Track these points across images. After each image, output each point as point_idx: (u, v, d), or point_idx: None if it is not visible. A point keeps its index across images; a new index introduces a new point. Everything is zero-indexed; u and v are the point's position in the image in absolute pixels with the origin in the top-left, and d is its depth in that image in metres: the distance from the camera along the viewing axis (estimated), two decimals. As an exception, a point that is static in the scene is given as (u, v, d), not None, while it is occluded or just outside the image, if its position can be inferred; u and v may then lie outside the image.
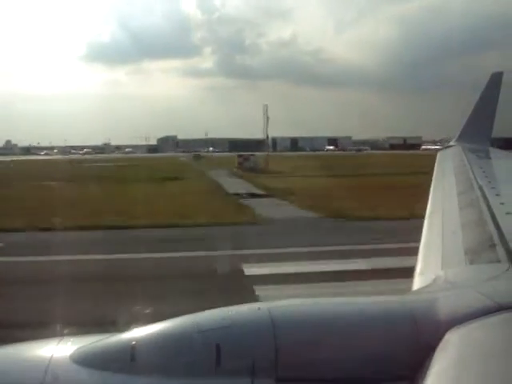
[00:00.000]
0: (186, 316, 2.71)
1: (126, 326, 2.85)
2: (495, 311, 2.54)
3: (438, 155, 14.40)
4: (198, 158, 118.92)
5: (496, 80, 16.46)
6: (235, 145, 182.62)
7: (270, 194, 39.38)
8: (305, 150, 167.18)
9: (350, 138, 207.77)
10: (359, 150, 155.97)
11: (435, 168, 11.83)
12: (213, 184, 49.53)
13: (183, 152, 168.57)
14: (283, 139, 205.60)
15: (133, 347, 2.51)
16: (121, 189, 43.36)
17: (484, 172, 8.57)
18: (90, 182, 48.96)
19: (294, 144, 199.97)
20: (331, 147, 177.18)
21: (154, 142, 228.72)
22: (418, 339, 2.50)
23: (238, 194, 39.27)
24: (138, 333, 2.66)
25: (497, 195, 5.88)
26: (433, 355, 2.37)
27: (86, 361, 2.53)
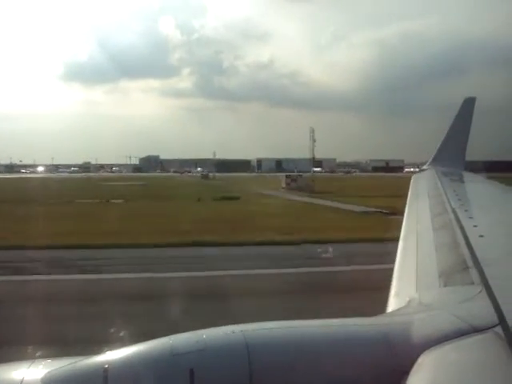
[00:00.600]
0: (160, 339, 2.68)
1: (99, 349, 2.80)
2: (469, 333, 2.56)
3: (412, 179, 14.58)
4: (206, 177, 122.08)
5: (469, 105, 16.80)
6: (222, 165, 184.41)
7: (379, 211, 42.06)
8: (291, 171, 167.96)
9: (334, 159, 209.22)
10: (348, 172, 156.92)
11: (409, 191, 11.97)
12: (312, 203, 52.00)
13: (173, 172, 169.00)
14: (268, 160, 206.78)
15: (105, 370, 2.46)
16: (231, 208, 46.33)
17: (457, 195, 8.69)
18: (172, 202, 51.82)
19: (279, 165, 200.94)
20: (318, 169, 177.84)
21: (136, 161, 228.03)
22: (392, 362, 2.50)
23: (367, 213, 42.32)
24: (111, 356, 2.61)
25: (470, 218, 5.96)
26: (407, 378, 2.37)
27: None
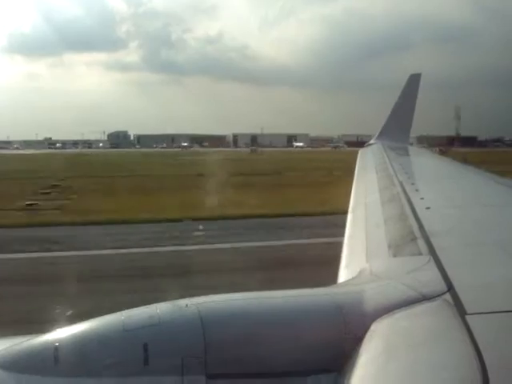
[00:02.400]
0: (112, 315, 2.63)
1: (50, 327, 2.73)
2: (419, 301, 2.62)
3: (360, 153, 14.81)
4: (255, 152, 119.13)
5: (414, 81, 17.11)
6: (197, 140, 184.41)
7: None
8: (269, 147, 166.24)
9: (307, 135, 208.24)
10: (336, 147, 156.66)
11: (357, 165, 12.16)
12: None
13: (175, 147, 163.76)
14: (243, 136, 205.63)
15: (56, 349, 2.41)
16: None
17: (404, 169, 8.88)
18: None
19: (254, 140, 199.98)
20: (300, 144, 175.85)
21: (103, 137, 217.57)
22: (344, 330, 2.54)
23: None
24: (62, 334, 2.56)
25: (416, 191, 6.10)
26: (360, 346, 2.41)
27: (6, 364, 2.41)
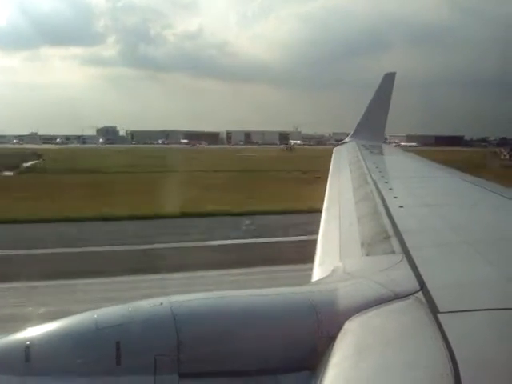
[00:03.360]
0: (84, 313, 2.60)
1: (20, 326, 2.69)
2: (392, 299, 2.64)
3: (334, 151, 14.88)
4: (291, 150, 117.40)
5: (389, 80, 17.24)
6: (191, 137, 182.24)
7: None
8: (258, 144, 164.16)
9: (299, 132, 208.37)
10: (289, 148, 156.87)
11: (331, 163, 12.21)
12: None
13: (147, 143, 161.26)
14: (237, 133, 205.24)
15: (27, 347, 2.37)
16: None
17: (377, 167, 8.94)
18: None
19: (248, 137, 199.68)
20: (297, 141, 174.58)
21: (91, 132, 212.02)
22: (318, 329, 2.54)
23: None
24: (33, 332, 2.51)
25: (390, 189, 6.15)
26: (333, 344, 2.42)
27: None
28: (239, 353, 2.48)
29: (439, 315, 2.36)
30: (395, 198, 5.43)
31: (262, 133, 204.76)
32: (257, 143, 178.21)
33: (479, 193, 6.33)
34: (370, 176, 7.68)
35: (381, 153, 13.55)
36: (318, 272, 3.82)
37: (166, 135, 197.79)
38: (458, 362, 1.95)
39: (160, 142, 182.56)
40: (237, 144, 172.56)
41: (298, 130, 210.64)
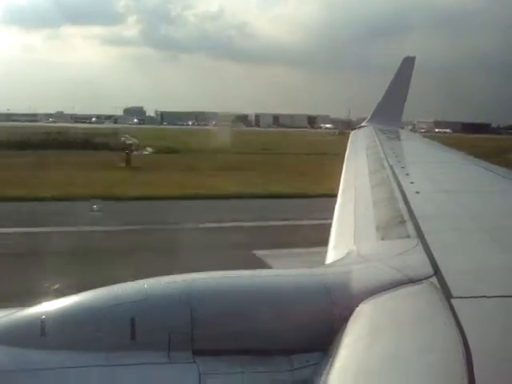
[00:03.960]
0: (100, 289, 2.63)
1: (35, 300, 2.73)
2: (405, 283, 2.64)
3: (351, 135, 14.80)
4: (343, 134, 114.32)
5: (408, 64, 17.06)
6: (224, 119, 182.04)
7: None
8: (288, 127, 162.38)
9: (327, 116, 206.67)
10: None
11: (348, 147, 12.15)
12: None
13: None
14: (265, 115, 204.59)
15: (42, 321, 2.41)
16: None
17: (394, 152, 8.88)
18: None
19: (276, 121, 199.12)
20: (329, 125, 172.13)
21: (118, 112, 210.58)
22: (331, 311, 2.55)
23: None
24: (48, 307, 2.55)
25: (406, 175, 6.11)
26: (346, 326, 2.43)
27: None
28: (252, 332, 2.50)
29: (452, 300, 2.35)
30: (412, 183, 5.40)
31: (291, 116, 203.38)
32: (284, 126, 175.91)
33: (496, 180, 6.27)
34: (387, 161, 7.64)
35: (398, 138, 13.46)
36: (333, 255, 3.83)
37: (195, 116, 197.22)
38: (471, 347, 1.95)
39: (190, 123, 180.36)
40: (269, 127, 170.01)
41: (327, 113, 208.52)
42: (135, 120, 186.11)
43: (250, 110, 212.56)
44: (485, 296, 2.45)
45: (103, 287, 2.65)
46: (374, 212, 4.68)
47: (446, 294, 2.44)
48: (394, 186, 5.48)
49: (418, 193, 4.90)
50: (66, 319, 2.46)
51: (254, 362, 2.44)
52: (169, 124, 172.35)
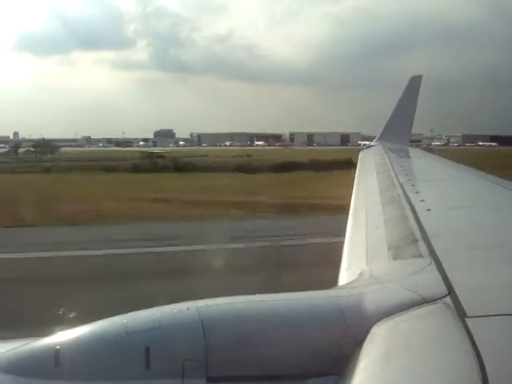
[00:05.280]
0: (113, 318, 2.64)
1: (50, 330, 2.74)
2: (419, 304, 2.62)
3: (360, 154, 14.82)
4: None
5: (415, 83, 17.12)
6: (256, 139, 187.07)
7: None
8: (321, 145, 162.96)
9: (358, 133, 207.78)
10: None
11: (358, 166, 12.17)
12: None
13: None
14: (300, 134, 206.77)
15: (57, 351, 2.41)
16: None
17: (404, 170, 8.88)
18: None
19: (310, 139, 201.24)
20: (367, 142, 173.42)
21: (149, 135, 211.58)
22: (345, 333, 2.54)
23: None
24: (63, 336, 2.56)
25: (417, 192, 6.10)
26: (360, 349, 2.41)
27: (7, 367, 2.41)
28: (266, 357, 2.49)
29: (467, 320, 2.33)
30: (422, 201, 5.39)
31: (324, 134, 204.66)
32: (317, 144, 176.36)
33: (507, 195, 6.24)
34: (397, 179, 7.63)
35: (407, 156, 13.46)
36: (345, 276, 3.81)
37: (231, 137, 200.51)
38: (487, 367, 1.93)
39: (228, 144, 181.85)
40: (304, 145, 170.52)
41: (358, 131, 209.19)
42: (181, 143, 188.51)
43: (263, 130, 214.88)
44: (500, 314, 2.43)
45: (117, 316, 2.65)
46: (386, 231, 4.67)
47: (461, 313, 2.42)
48: (405, 204, 5.47)
49: (429, 210, 4.89)
50: (80, 349, 2.46)
51: None
52: (208, 145, 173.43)
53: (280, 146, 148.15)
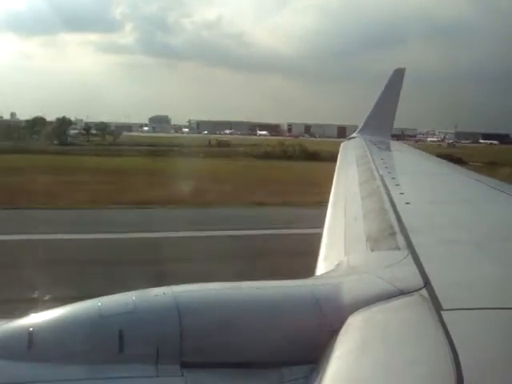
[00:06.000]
0: (88, 301, 2.61)
1: (23, 312, 2.70)
2: (395, 296, 2.64)
3: (341, 146, 14.85)
4: (454, 146, 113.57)
5: (398, 76, 17.15)
6: (253, 128, 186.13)
7: None
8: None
9: (356, 126, 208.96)
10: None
11: (338, 158, 12.19)
12: None
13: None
14: (297, 125, 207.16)
15: (30, 333, 2.38)
16: None
17: (385, 163, 8.91)
18: None
19: (308, 130, 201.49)
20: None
21: (140, 120, 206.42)
22: (321, 323, 2.54)
23: None
24: (36, 318, 2.53)
25: (397, 185, 6.13)
26: (336, 338, 2.42)
27: None
28: (241, 345, 2.49)
29: (442, 312, 2.35)
30: (401, 194, 5.42)
31: (321, 126, 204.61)
32: (314, 136, 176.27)
33: (486, 191, 6.30)
34: (377, 171, 7.66)
35: (388, 149, 13.52)
36: (322, 266, 3.82)
37: (230, 125, 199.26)
38: (461, 359, 1.95)
39: (228, 132, 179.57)
40: (302, 136, 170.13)
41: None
42: (185, 129, 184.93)
43: (243, 118, 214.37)
44: (475, 308, 2.45)
45: (93, 299, 2.63)
46: (364, 223, 4.68)
47: (436, 306, 2.44)
48: (384, 196, 5.49)
49: (407, 203, 4.92)
50: (53, 331, 2.43)
51: (244, 376, 2.43)
52: (209, 133, 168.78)
53: (289, 136, 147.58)
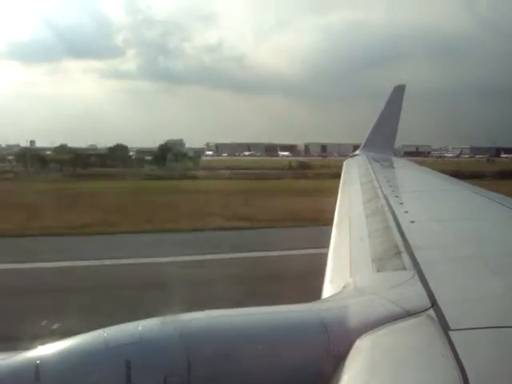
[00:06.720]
0: (94, 332, 2.60)
1: (29, 344, 2.69)
2: (403, 317, 2.62)
3: (344, 164, 14.88)
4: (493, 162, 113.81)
5: (398, 92, 17.24)
6: (272, 149, 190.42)
7: None
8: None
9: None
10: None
11: (341, 177, 12.20)
12: None
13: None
14: (314, 145, 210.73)
15: (37, 366, 2.37)
16: None
17: (388, 181, 8.91)
18: None
19: (324, 150, 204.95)
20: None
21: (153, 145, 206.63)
22: (328, 347, 2.53)
23: None
24: (43, 351, 2.52)
25: (400, 204, 6.12)
26: (344, 363, 2.40)
27: None
28: (249, 371, 2.47)
29: (450, 332, 2.34)
30: (406, 212, 5.41)
31: (338, 145, 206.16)
32: (331, 155, 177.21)
33: (492, 207, 6.28)
34: (381, 190, 7.66)
35: (391, 166, 13.52)
36: (329, 289, 3.81)
37: (248, 147, 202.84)
38: (470, 380, 1.93)
39: (247, 153, 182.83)
40: (318, 155, 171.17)
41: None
42: (210, 152, 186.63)
43: (252, 139, 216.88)
44: (483, 327, 2.43)
45: (98, 329, 2.62)
46: (370, 243, 4.67)
47: (444, 326, 2.42)
48: (389, 215, 5.48)
49: (412, 222, 4.90)
50: (61, 363, 2.42)
51: None
52: (228, 155, 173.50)
53: (319, 156, 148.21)
